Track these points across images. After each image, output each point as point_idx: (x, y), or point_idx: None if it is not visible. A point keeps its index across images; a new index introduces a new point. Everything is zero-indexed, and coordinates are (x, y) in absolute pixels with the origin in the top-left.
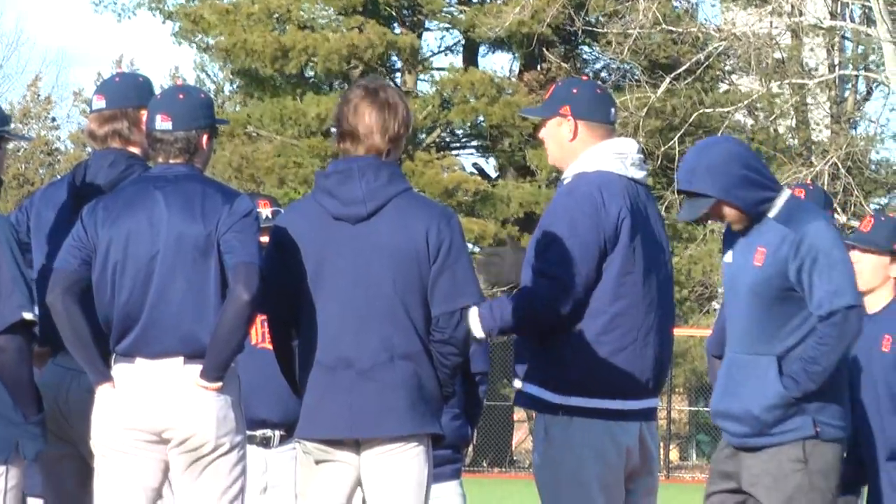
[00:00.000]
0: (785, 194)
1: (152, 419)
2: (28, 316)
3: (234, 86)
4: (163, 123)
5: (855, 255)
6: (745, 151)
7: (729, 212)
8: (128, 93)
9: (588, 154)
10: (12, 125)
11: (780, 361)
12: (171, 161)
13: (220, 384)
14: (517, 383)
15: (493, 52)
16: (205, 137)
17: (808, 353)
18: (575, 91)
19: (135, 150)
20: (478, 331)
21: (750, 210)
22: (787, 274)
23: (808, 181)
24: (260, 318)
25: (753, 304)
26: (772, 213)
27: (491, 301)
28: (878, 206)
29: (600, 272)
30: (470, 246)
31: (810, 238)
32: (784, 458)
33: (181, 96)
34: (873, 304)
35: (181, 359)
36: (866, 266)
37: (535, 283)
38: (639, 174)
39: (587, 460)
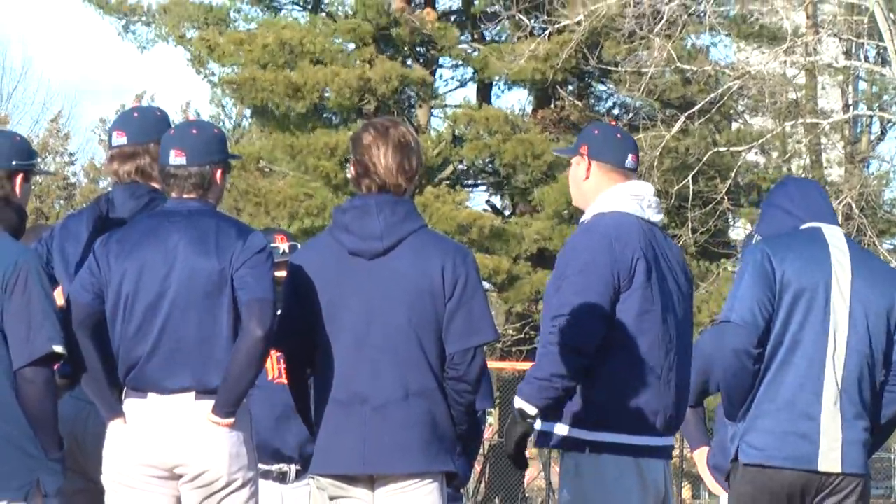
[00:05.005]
0: None
1: (164, 455)
2: (58, 349)
3: (248, 121)
4: (176, 158)
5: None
6: None
7: None
8: (147, 128)
9: (605, 195)
10: (38, 160)
11: None
12: (185, 196)
13: (232, 420)
14: (537, 424)
15: (508, 90)
16: (219, 172)
17: None
18: (596, 132)
19: (156, 185)
20: (530, 409)
21: None
22: None
23: None
24: (276, 354)
25: None
26: None
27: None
28: (891, 246)
29: (615, 310)
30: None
31: None
32: None
33: (195, 131)
34: None
35: (192, 394)
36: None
37: (553, 328)
38: (655, 217)
39: (617, 496)
